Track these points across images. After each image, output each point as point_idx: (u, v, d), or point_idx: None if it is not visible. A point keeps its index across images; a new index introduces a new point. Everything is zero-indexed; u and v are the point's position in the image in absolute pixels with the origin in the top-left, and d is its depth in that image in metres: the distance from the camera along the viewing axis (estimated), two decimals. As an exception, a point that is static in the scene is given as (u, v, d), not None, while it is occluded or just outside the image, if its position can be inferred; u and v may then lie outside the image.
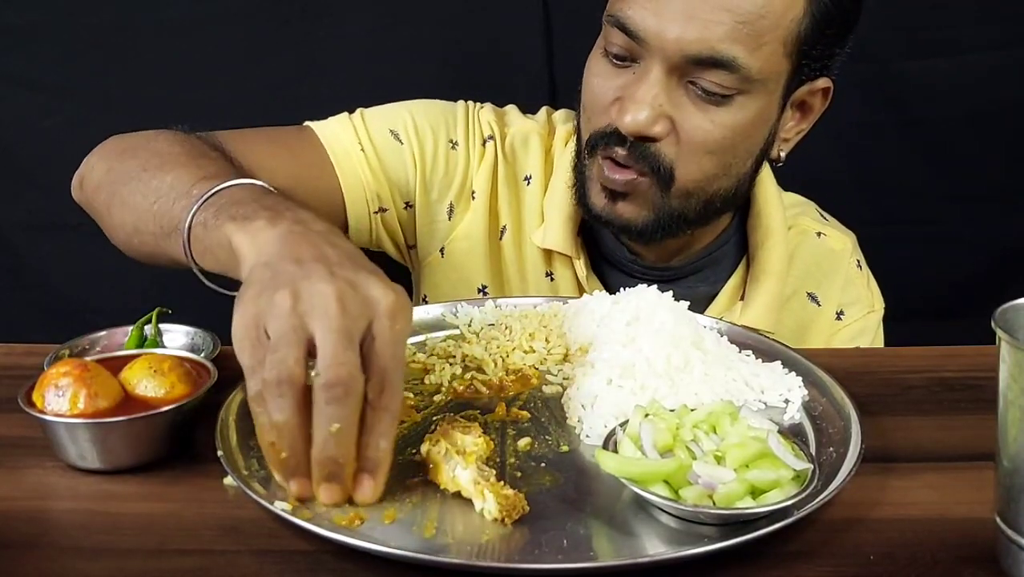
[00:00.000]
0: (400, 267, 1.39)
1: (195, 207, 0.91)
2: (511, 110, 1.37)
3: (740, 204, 1.30)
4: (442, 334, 1.13)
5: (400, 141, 1.28)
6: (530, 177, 1.31)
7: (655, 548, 0.80)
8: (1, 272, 2.01)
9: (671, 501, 0.80)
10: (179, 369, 0.92)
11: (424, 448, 0.87)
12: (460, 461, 0.84)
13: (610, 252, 1.30)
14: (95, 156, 1.15)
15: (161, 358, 0.93)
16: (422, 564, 0.76)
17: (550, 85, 1.91)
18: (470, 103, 1.35)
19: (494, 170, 1.31)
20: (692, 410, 0.90)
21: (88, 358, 0.95)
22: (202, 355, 1.00)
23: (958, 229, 2.01)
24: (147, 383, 0.91)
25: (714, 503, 0.80)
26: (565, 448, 0.92)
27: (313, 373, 0.74)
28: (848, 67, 1.22)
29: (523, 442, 0.93)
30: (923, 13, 1.89)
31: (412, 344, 1.10)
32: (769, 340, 1.10)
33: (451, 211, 1.30)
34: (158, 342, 1.06)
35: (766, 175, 1.31)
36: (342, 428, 0.74)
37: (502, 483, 0.83)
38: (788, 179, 1.36)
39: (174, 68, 1.89)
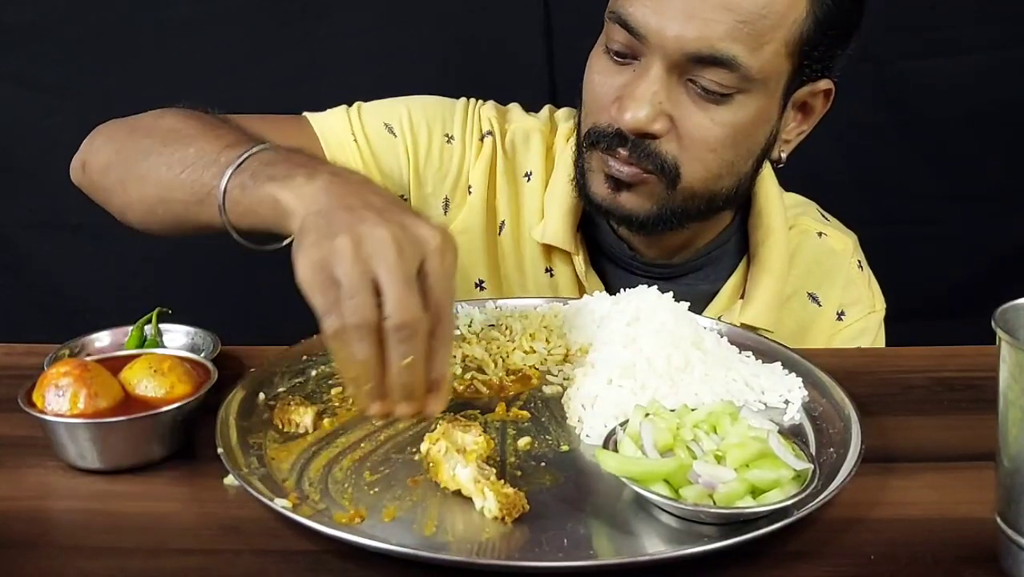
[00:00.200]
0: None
1: (229, 172, 0.96)
2: (514, 108, 1.37)
3: (741, 203, 1.30)
4: (442, 334, 1.13)
5: (393, 134, 1.28)
6: (530, 173, 1.31)
7: (655, 547, 0.80)
8: (1, 272, 2.02)
9: (671, 500, 0.80)
10: (179, 369, 0.93)
11: (424, 447, 0.87)
12: (460, 460, 0.84)
13: (610, 248, 1.30)
14: (98, 139, 1.17)
15: (161, 358, 0.93)
16: (422, 561, 0.76)
17: (550, 85, 1.91)
18: (472, 100, 1.35)
19: (492, 165, 1.31)
20: (692, 410, 0.90)
21: (88, 358, 0.95)
22: (202, 355, 1.00)
23: (958, 229, 2.01)
24: (147, 383, 0.91)
25: (714, 502, 0.80)
26: (565, 448, 0.92)
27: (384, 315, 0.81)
28: (848, 67, 1.22)
29: (523, 441, 0.93)
30: (923, 13, 1.90)
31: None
32: (769, 341, 1.10)
33: (447, 205, 1.31)
34: (158, 342, 1.06)
35: (767, 175, 1.31)
36: (413, 360, 0.82)
37: (502, 482, 0.83)
38: (789, 179, 1.36)
39: (174, 68, 1.89)
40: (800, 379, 1.01)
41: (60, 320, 1.98)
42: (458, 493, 0.83)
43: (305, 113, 1.30)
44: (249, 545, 0.80)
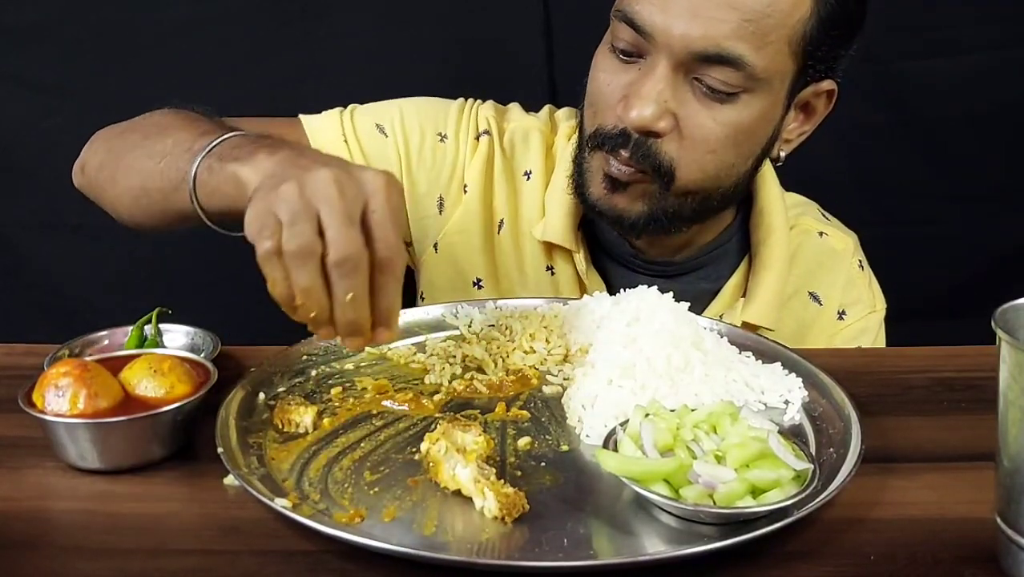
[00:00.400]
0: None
1: (199, 158, 1.00)
2: (513, 107, 1.37)
3: (739, 202, 1.30)
4: (442, 335, 1.13)
5: (385, 135, 1.29)
6: (530, 172, 1.31)
7: (655, 547, 0.80)
8: (1, 272, 2.02)
9: (671, 500, 0.80)
10: (179, 369, 0.93)
11: (424, 447, 0.87)
12: (460, 460, 0.84)
13: (611, 246, 1.30)
14: (95, 143, 1.22)
15: (161, 358, 0.93)
16: (422, 561, 0.76)
17: (550, 85, 1.91)
18: (470, 100, 1.35)
19: (489, 164, 1.31)
20: (692, 410, 0.90)
21: (88, 358, 0.95)
22: (202, 355, 1.00)
23: (958, 229, 2.01)
24: (147, 383, 0.91)
25: (714, 502, 0.80)
26: (565, 448, 0.92)
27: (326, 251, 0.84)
28: (849, 67, 1.22)
29: (523, 441, 0.93)
30: (923, 13, 1.90)
31: (412, 345, 1.10)
32: (769, 341, 1.10)
33: (441, 204, 1.31)
34: (158, 342, 1.06)
35: (769, 174, 1.31)
36: (355, 295, 0.84)
37: (502, 482, 0.83)
38: (789, 179, 1.36)
39: (174, 68, 1.89)
40: (800, 379, 1.01)
41: (60, 320, 1.98)
42: (458, 493, 0.83)
43: (300, 116, 1.30)
44: (249, 545, 0.80)
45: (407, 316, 1.12)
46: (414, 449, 0.90)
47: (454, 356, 1.07)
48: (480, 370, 1.05)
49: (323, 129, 1.29)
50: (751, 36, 1.09)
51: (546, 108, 1.38)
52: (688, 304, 1.06)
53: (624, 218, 1.19)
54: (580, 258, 1.28)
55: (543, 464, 0.90)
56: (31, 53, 1.91)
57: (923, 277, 1.93)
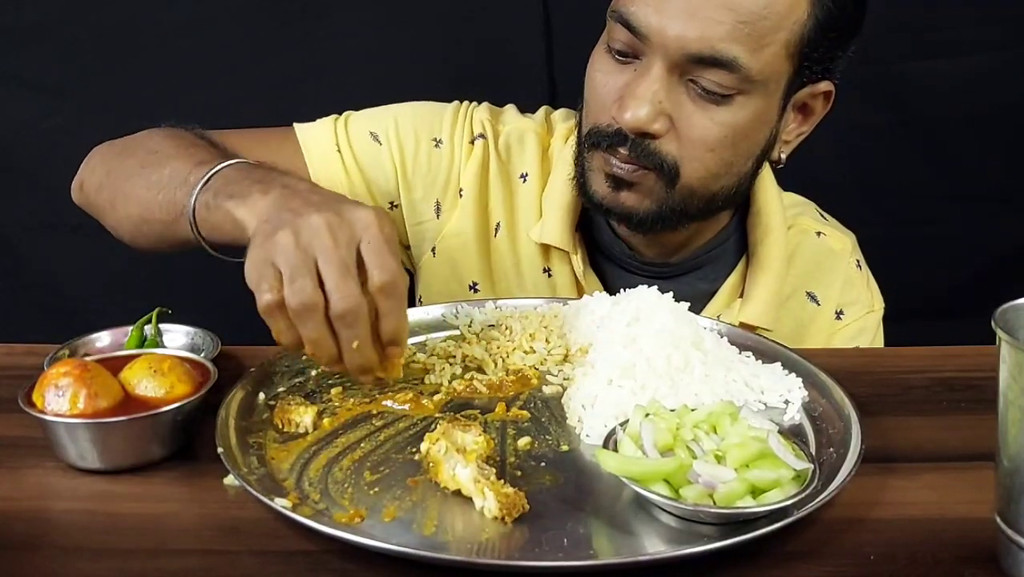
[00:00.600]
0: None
1: (195, 192, 1.02)
2: (508, 109, 1.37)
3: (740, 203, 1.30)
4: (442, 335, 1.13)
5: (379, 142, 1.29)
6: (526, 175, 1.31)
7: (655, 547, 0.80)
8: (1, 272, 2.02)
9: (671, 500, 0.80)
10: (179, 369, 0.93)
11: (424, 447, 0.87)
12: (460, 459, 0.84)
13: (608, 248, 1.30)
14: (93, 160, 1.24)
15: (161, 358, 0.93)
16: (422, 561, 0.76)
17: (550, 85, 1.91)
18: (465, 103, 1.35)
19: (484, 168, 1.31)
20: (692, 410, 0.90)
21: (88, 358, 0.95)
22: (202, 355, 1.00)
23: (958, 229, 2.01)
24: (147, 383, 0.91)
25: (714, 502, 0.80)
26: (565, 448, 0.92)
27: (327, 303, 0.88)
28: (848, 68, 1.22)
29: (523, 441, 0.93)
30: (923, 14, 1.90)
31: (412, 344, 1.10)
32: (769, 341, 1.10)
33: (438, 209, 1.31)
34: (158, 342, 1.06)
35: (766, 175, 1.31)
36: (360, 343, 0.88)
37: (502, 482, 0.83)
38: (788, 179, 1.36)
39: (174, 68, 1.89)
40: (800, 379, 1.01)
41: (60, 320, 1.98)
42: (458, 493, 0.83)
43: (294, 124, 1.30)
44: (249, 545, 0.80)
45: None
46: (414, 449, 0.90)
47: (454, 356, 1.07)
48: (480, 370, 1.05)
49: (316, 139, 1.29)
50: (746, 38, 1.09)
51: (542, 110, 1.38)
52: (687, 304, 1.06)
53: (633, 215, 1.19)
54: (577, 260, 1.28)
55: (543, 464, 0.90)
56: (31, 53, 1.91)
57: (923, 277, 1.94)
